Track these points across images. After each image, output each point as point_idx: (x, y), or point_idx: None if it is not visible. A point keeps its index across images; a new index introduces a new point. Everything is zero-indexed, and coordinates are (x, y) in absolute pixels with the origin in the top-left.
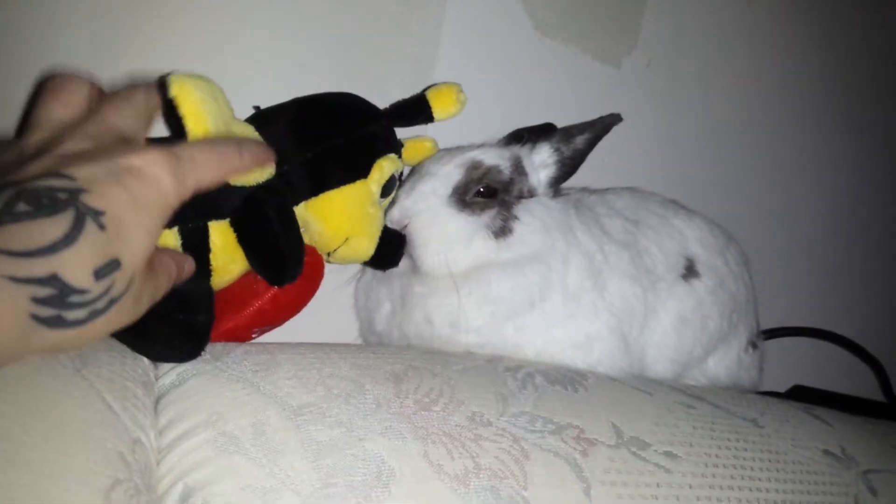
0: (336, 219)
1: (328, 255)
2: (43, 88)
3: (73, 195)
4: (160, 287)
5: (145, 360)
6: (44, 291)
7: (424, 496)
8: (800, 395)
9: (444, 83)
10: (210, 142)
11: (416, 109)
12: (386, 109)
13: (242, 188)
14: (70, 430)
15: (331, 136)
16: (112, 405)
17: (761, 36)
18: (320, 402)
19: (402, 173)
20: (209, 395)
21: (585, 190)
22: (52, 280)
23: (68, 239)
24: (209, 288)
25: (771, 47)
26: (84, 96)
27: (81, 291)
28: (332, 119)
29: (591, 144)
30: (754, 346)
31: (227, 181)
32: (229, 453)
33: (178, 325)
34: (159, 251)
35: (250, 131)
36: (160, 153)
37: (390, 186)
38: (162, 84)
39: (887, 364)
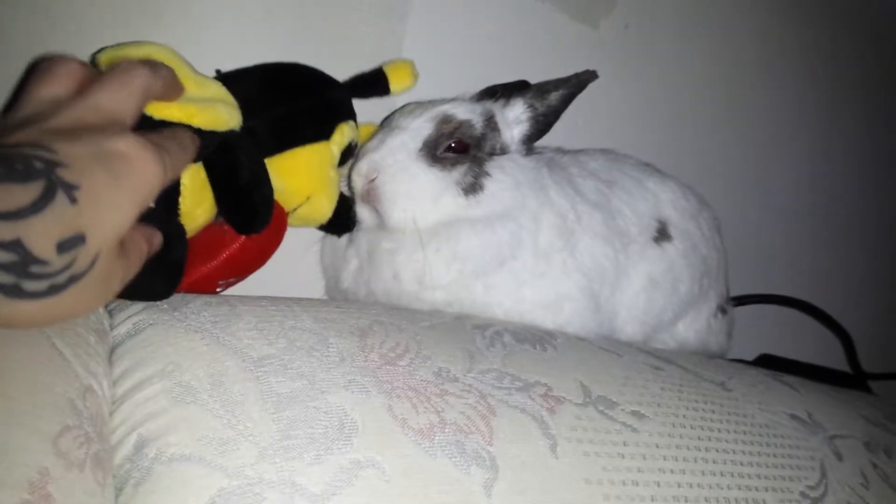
0: (298, 176)
1: (288, 215)
2: (34, 69)
3: (50, 166)
4: (131, 267)
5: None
6: (6, 257)
7: (388, 449)
8: (767, 363)
9: (400, 59)
10: (174, 135)
11: (374, 82)
12: (345, 81)
13: (213, 134)
14: (16, 374)
15: (297, 96)
16: (62, 351)
17: (738, 3)
18: (282, 354)
19: (356, 143)
20: (166, 345)
21: (559, 150)
22: (16, 246)
23: (35, 207)
24: (181, 225)
25: (747, 14)
26: (75, 77)
27: (43, 262)
28: (299, 81)
29: (565, 101)
30: (724, 311)
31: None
32: (185, 403)
33: (151, 263)
34: (131, 230)
35: (216, 86)
36: (150, 144)
37: (348, 153)
38: (94, 63)
39: (855, 335)
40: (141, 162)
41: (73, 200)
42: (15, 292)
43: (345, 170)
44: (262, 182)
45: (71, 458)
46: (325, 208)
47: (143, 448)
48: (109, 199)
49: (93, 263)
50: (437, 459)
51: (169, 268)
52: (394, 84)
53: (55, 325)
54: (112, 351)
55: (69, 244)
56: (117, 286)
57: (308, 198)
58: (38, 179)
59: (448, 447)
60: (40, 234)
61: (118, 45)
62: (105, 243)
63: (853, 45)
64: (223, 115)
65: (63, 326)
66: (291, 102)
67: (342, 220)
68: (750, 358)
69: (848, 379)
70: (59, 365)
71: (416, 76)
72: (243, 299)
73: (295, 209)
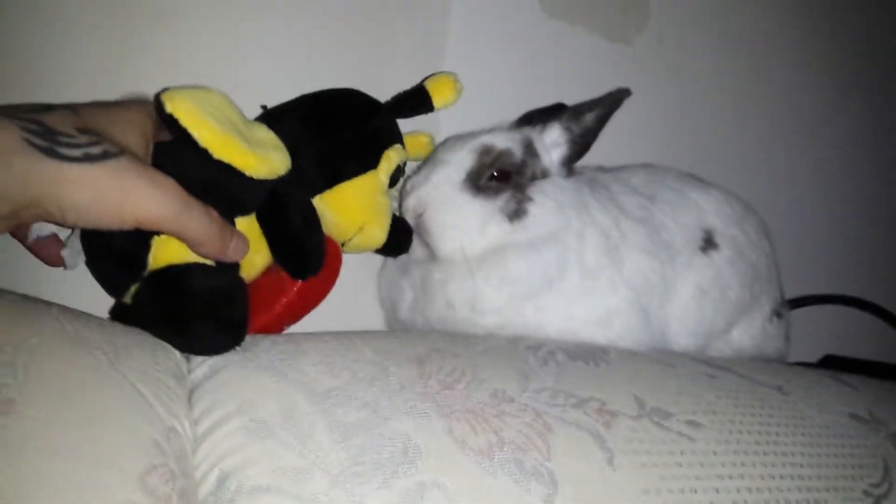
0: (350, 209)
1: (342, 244)
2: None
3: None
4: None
5: (177, 353)
6: (31, 126)
7: (450, 470)
8: (832, 364)
9: (442, 73)
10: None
11: (417, 100)
12: (387, 102)
13: (265, 182)
14: (104, 418)
15: (341, 131)
16: (146, 395)
17: (770, 6)
18: (346, 385)
19: (405, 163)
20: (240, 385)
21: (600, 168)
22: (37, 123)
23: (45, 109)
24: (242, 280)
25: (781, 16)
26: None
27: (68, 135)
28: (340, 114)
29: (601, 121)
30: (779, 315)
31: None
32: (261, 438)
33: (218, 321)
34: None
35: (264, 130)
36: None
37: (397, 175)
38: (159, 104)
39: None
40: (134, 104)
41: (75, 112)
42: (52, 153)
43: (395, 191)
44: (313, 227)
45: (158, 494)
46: (378, 236)
47: (225, 482)
48: (107, 117)
49: (122, 151)
50: (497, 478)
51: (235, 325)
52: (437, 100)
53: (137, 371)
54: (191, 393)
55: (86, 130)
56: (168, 194)
57: (361, 228)
58: (45, 106)
59: (507, 465)
60: (55, 120)
61: (178, 87)
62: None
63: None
64: (276, 163)
65: (145, 372)
66: (336, 137)
67: (397, 243)
68: (814, 360)
69: None
70: (144, 408)
71: (459, 90)
72: (308, 336)
73: (349, 239)
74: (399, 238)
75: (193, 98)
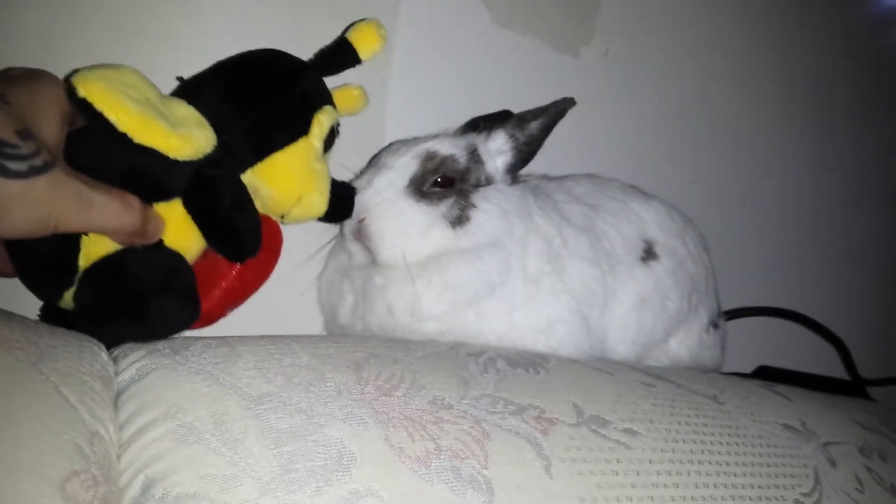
0: (285, 180)
1: (282, 217)
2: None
3: None
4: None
5: (104, 355)
6: None
7: (385, 478)
8: (765, 375)
9: (363, 20)
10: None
11: (342, 54)
12: (311, 61)
13: (189, 164)
14: (24, 422)
15: (265, 99)
16: (69, 398)
17: (718, 21)
18: (280, 391)
19: (338, 123)
20: (169, 388)
21: (544, 177)
22: None
23: None
24: (178, 254)
25: (727, 32)
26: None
27: (12, 145)
28: (262, 81)
29: (545, 129)
30: (715, 326)
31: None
32: (189, 444)
33: (173, 293)
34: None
35: (183, 106)
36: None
37: (331, 139)
38: (71, 89)
39: (851, 342)
40: (47, 83)
41: (8, 104)
42: (1, 170)
43: (329, 156)
44: (245, 208)
45: (79, 501)
46: (318, 205)
47: (150, 489)
48: (30, 104)
49: (55, 160)
50: (434, 485)
51: (188, 296)
52: (362, 50)
53: (61, 373)
54: (117, 396)
55: (26, 133)
56: (87, 203)
57: (299, 199)
58: None
59: (444, 473)
60: None
61: (90, 67)
62: (49, 138)
63: (841, 57)
64: (200, 141)
65: (69, 374)
66: (261, 107)
67: (339, 209)
68: (748, 370)
69: (846, 386)
70: (67, 412)
71: (383, 36)
72: (243, 339)
73: (289, 211)
74: (341, 204)
75: (106, 78)
